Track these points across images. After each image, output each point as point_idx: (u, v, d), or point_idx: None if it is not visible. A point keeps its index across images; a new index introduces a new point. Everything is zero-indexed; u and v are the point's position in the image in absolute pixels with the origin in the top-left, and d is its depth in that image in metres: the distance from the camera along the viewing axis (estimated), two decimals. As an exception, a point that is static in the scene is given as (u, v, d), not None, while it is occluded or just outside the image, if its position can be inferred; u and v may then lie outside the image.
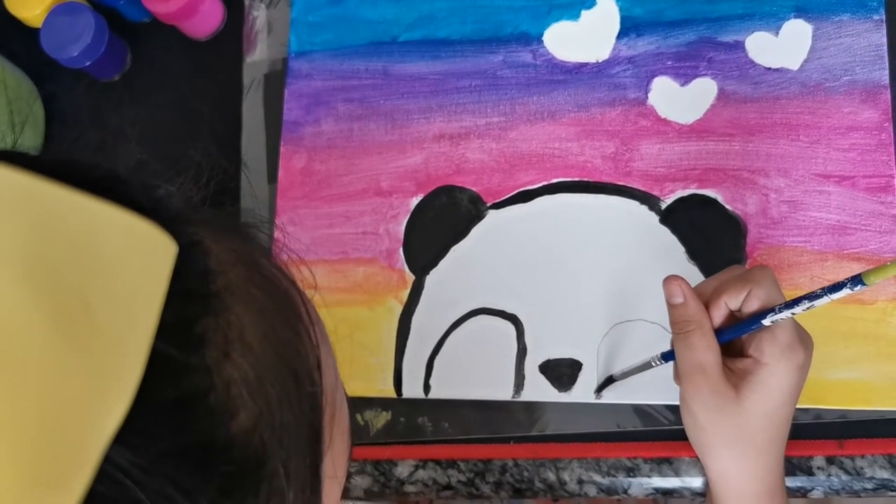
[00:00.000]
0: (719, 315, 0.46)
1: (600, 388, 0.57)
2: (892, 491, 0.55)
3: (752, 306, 0.45)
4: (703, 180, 0.59)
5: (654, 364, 0.51)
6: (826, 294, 0.41)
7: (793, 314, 0.43)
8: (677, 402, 0.55)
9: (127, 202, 0.24)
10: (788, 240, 0.57)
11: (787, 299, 0.44)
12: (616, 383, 0.56)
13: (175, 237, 0.25)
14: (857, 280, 0.39)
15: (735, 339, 0.46)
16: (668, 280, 0.47)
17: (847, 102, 0.58)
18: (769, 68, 0.60)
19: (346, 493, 0.60)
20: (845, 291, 0.40)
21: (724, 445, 0.46)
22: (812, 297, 0.41)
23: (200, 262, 0.27)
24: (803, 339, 0.45)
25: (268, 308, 0.28)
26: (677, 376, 0.49)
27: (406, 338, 0.60)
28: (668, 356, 0.50)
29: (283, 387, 0.27)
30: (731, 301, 0.46)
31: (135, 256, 0.24)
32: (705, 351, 0.45)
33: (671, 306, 0.47)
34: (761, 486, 0.47)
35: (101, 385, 0.21)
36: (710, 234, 0.58)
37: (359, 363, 0.61)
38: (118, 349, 0.22)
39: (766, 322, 0.44)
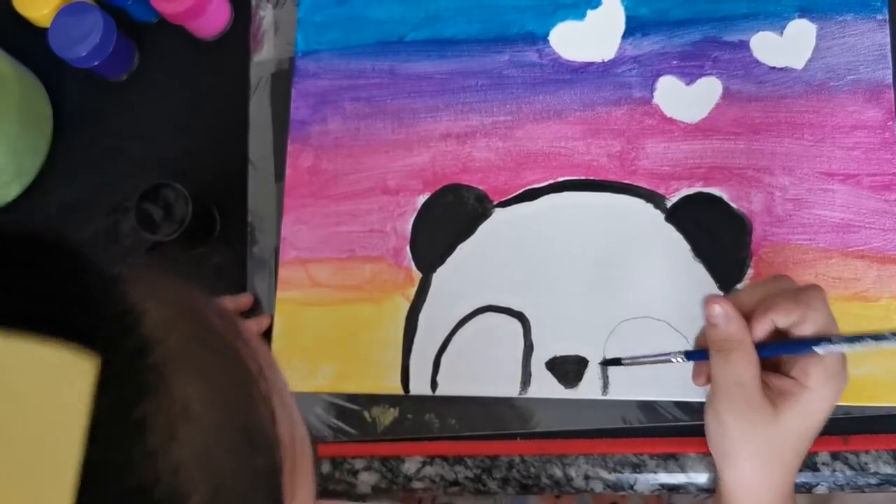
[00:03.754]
0: (763, 330, 0.46)
1: (605, 363, 0.57)
2: (897, 486, 0.55)
3: (806, 331, 0.45)
4: (708, 179, 0.59)
5: (674, 360, 0.51)
6: (894, 337, 0.41)
7: (850, 350, 0.43)
8: (684, 399, 0.56)
9: (42, 303, 0.22)
10: (793, 238, 0.57)
11: (843, 332, 0.44)
12: (622, 377, 0.56)
13: (102, 317, 0.23)
14: None
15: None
16: (711, 302, 0.47)
17: (851, 101, 0.59)
18: (774, 67, 0.60)
19: (352, 490, 0.61)
20: None
21: (751, 457, 0.46)
22: (878, 337, 0.41)
23: (134, 337, 0.24)
24: (845, 365, 0.46)
25: (213, 367, 0.26)
26: (697, 377, 0.49)
27: (413, 335, 0.61)
28: (692, 356, 0.50)
29: (236, 454, 0.25)
30: (781, 320, 0.45)
31: (48, 386, 0.21)
32: (747, 367, 0.45)
33: (711, 325, 0.47)
34: (777, 494, 0.47)
35: None
36: (715, 232, 0.59)
37: (366, 360, 0.61)
38: (42, 474, 0.20)
39: (819, 351, 0.44)
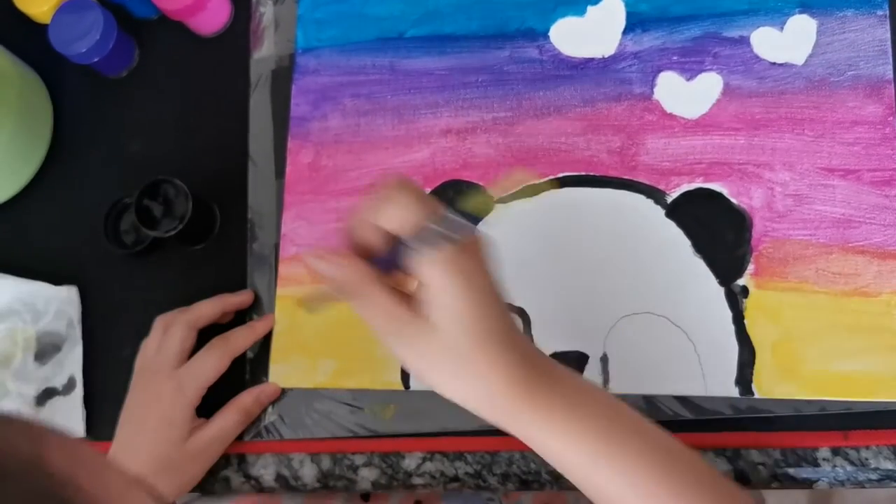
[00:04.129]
0: (373, 238, 0.44)
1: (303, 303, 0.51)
2: (897, 482, 0.55)
3: (397, 225, 0.42)
4: (708, 174, 0.59)
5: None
6: (455, 228, 0.40)
7: (425, 239, 0.41)
8: (684, 394, 0.56)
9: None
10: (794, 233, 0.57)
11: (428, 217, 0.41)
12: (623, 372, 0.56)
13: None
14: (475, 218, 0.39)
15: (398, 264, 0.43)
16: (310, 260, 0.44)
17: (851, 97, 0.59)
18: (774, 63, 0.60)
19: (353, 486, 0.61)
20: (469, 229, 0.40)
21: (449, 375, 0.43)
22: (440, 234, 0.40)
23: None
24: (464, 244, 0.42)
25: None
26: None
27: (413, 331, 0.61)
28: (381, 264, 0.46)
29: None
30: (385, 223, 0.42)
31: None
32: (381, 296, 0.43)
33: (328, 281, 0.44)
34: (514, 388, 0.43)
35: None
36: (715, 227, 0.59)
37: (366, 356, 0.61)
38: None
39: (412, 244, 0.41)
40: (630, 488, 0.44)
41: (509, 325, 0.44)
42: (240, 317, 0.65)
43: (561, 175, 0.61)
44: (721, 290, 0.57)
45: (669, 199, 0.60)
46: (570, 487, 0.59)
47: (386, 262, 0.43)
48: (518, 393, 0.43)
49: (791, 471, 0.56)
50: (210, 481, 0.62)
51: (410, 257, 0.42)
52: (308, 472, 0.62)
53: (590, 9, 0.64)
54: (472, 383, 0.43)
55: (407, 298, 0.44)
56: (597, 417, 0.44)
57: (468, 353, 0.42)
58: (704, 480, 0.46)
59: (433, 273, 0.42)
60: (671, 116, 0.61)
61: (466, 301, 0.42)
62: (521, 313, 0.59)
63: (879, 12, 0.60)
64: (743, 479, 0.56)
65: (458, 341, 0.42)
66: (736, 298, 0.57)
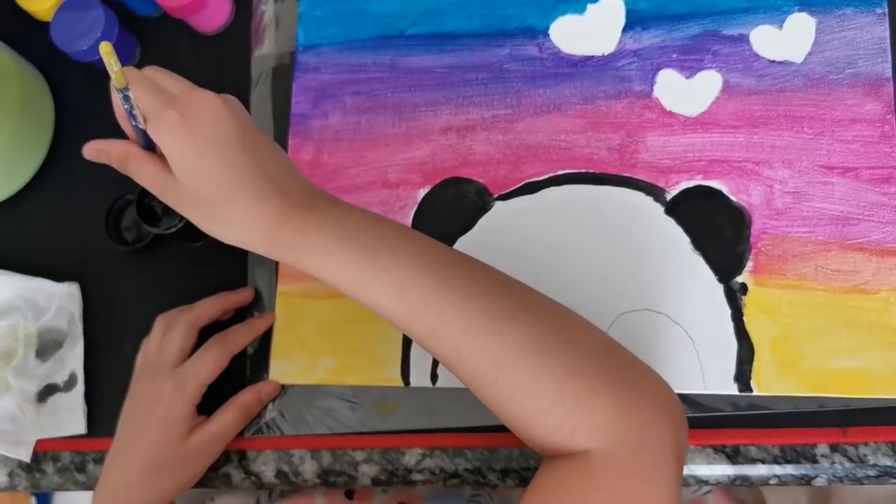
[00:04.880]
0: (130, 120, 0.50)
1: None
2: (895, 478, 0.56)
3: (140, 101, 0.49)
4: (707, 172, 0.60)
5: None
6: (124, 95, 0.48)
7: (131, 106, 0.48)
8: (683, 391, 0.56)
9: None
10: (793, 230, 0.58)
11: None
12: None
13: None
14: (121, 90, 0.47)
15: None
16: (86, 153, 0.53)
17: (850, 95, 0.59)
18: (773, 61, 0.61)
19: (353, 482, 0.61)
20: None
21: (210, 220, 0.49)
22: (122, 93, 0.47)
23: None
24: (175, 98, 0.48)
25: None
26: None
27: (413, 328, 0.61)
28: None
29: None
30: (136, 99, 0.48)
31: None
32: (142, 165, 0.50)
33: (105, 160, 0.52)
34: (270, 222, 0.47)
35: None
36: (714, 224, 0.59)
37: (367, 353, 0.61)
38: None
39: (134, 123, 0.49)
40: (394, 294, 0.46)
41: (264, 165, 0.48)
42: (240, 314, 0.65)
43: (561, 172, 0.62)
44: (720, 287, 0.58)
45: (669, 197, 0.60)
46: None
47: (145, 141, 0.50)
48: (275, 224, 0.47)
49: (789, 467, 0.56)
50: (211, 477, 0.63)
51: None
52: (308, 469, 0.62)
53: (590, 7, 0.64)
54: (231, 225, 0.48)
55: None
56: (353, 233, 0.47)
57: (216, 200, 0.48)
58: (500, 284, 0.48)
59: (157, 133, 0.48)
60: (671, 114, 0.61)
61: (196, 151, 0.47)
62: (521, 310, 0.59)
63: (878, 10, 0.60)
64: (742, 476, 0.56)
65: (203, 190, 0.48)
66: (735, 295, 0.57)
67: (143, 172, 0.50)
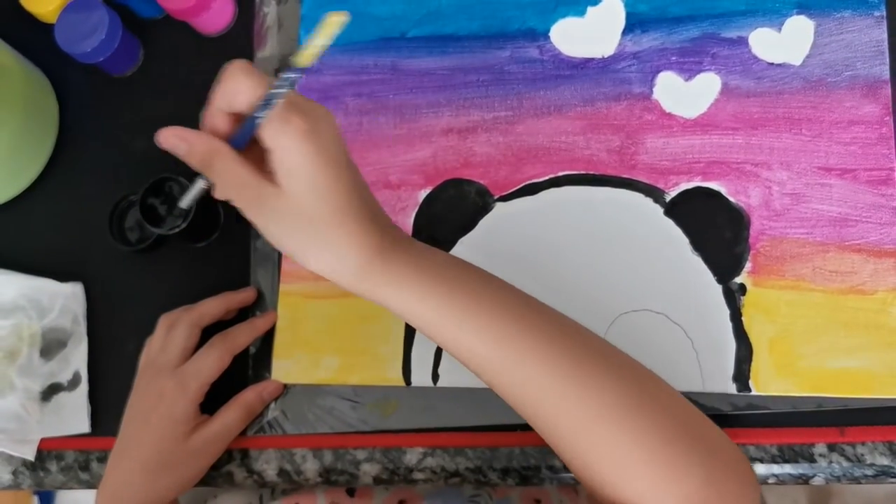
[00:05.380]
0: (222, 123, 0.45)
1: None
2: (893, 477, 0.56)
3: (242, 103, 0.43)
4: (706, 173, 0.60)
5: (202, 185, 0.47)
6: (280, 87, 0.41)
7: (267, 114, 0.42)
8: (689, 389, 0.57)
9: None
10: (791, 231, 0.58)
11: (272, 88, 0.42)
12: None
13: None
14: (295, 69, 0.40)
15: (249, 142, 0.44)
16: (160, 138, 0.45)
17: (848, 97, 0.60)
18: (772, 63, 0.61)
19: (354, 481, 0.61)
20: (293, 79, 0.41)
21: (305, 240, 0.44)
22: (273, 95, 0.41)
23: None
24: (299, 106, 0.43)
25: None
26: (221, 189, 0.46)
27: (414, 328, 0.61)
28: (199, 176, 0.47)
29: None
30: (223, 105, 0.44)
31: None
32: (235, 168, 0.44)
33: (183, 157, 0.45)
34: (367, 251, 0.44)
35: None
36: (713, 225, 0.59)
37: (368, 352, 0.62)
38: None
39: (259, 117, 0.42)
40: (488, 342, 0.45)
41: (366, 195, 0.45)
42: (243, 314, 0.65)
43: (561, 174, 0.62)
44: (719, 288, 0.58)
45: (668, 198, 0.60)
46: (568, 483, 0.59)
47: (238, 141, 0.44)
48: (371, 258, 0.44)
49: (787, 467, 0.56)
50: (213, 476, 0.63)
51: (258, 129, 0.43)
52: (310, 467, 0.62)
53: (590, 9, 0.65)
54: (327, 250, 0.44)
55: (262, 171, 0.44)
56: (451, 278, 0.46)
57: (323, 220, 0.43)
58: (591, 342, 0.46)
59: (280, 137, 0.42)
60: (670, 116, 0.62)
61: (313, 164, 0.43)
62: (521, 310, 0.60)
63: (876, 13, 0.60)
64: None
65: (313, 207, 0.43)
66: (734, 296, 0.58)
67: (231, 174, 0.44)
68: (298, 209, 0.43)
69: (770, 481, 0.57)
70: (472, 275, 0.47)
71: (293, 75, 0.41)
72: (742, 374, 0.56)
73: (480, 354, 0.45)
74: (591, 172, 0.62)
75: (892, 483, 0.57)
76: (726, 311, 0.58)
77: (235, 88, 0.43)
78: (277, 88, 0.41)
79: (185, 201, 0.49)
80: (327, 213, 0.43)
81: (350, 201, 0.44)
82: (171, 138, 0.45)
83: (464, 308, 0.45)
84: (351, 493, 0.68)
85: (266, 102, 0.42)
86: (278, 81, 0.41)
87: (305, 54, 0.41)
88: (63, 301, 0.68)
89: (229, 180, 0.44)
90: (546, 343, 0.45)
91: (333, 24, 0.40)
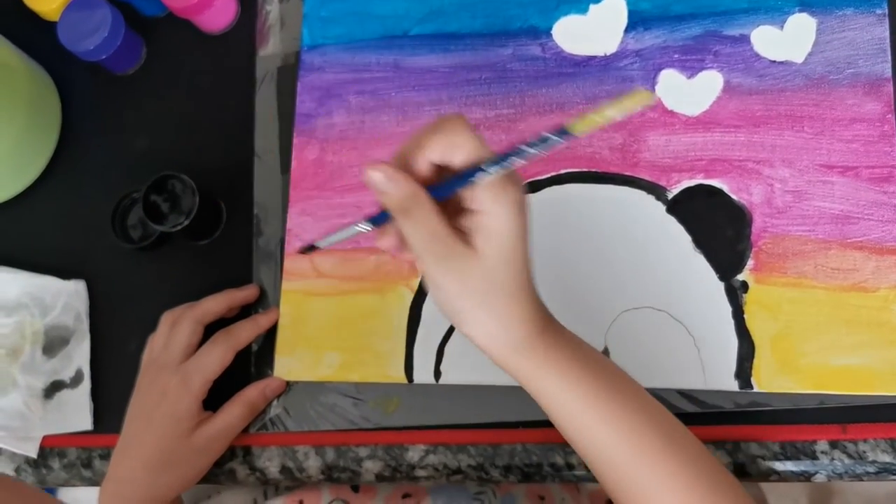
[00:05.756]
0: (424, 172, 0.44)
1: (303, 251, 0.54)
2: (894, 475, 0.56)
3: (457, 159, 0.43)
4: (709, 171, 0.60)
5: (360, 228, 0.48)
6: (533, 147, 0.39)
7: (501, 170, 0.41)
8: (687, 387, 0.57)
9: None
10: (793, 229, 0.58)
11: (495, 153, 0.42)
12: (624, 365, 0.57)
13: None
14: (562, 131, 0.38)
15: (451, 196, 0.44)
16: (368, 171, 0.43)
17: (850, 94, 0.60)
18: (774, 61, 0.61)
19: (357, 478, 0.61)
20: (553, 143, 0.39)
21: (478, 305, 0.44)
22: (518, 152, 0.40)
23: None
24: (512, 177, 0.43)
25: None
26: (383, 238, 0.46)
27: (417, 325, 0.61)
28: (376, 220, 0.47)
29: None
30: (434, 155, 0.43)
31: None
32: (430, 218, 0.43)
33: (380, 194, 0.44)
34: (529, 327, 0.45)
35: None
36: (715, 223, 0.59)
37: (370, 350, 0.62)
38: None
39: (478, 179, 0.42)
40: (621, 438, 0.46)
41: (533, 273, 0.46)
42: (245, 311, 0.65)
43: (563, 171, 0.62)
44: (721, 285, 0.58)
45: (670, 196, 0.60)
46: (570, 480, 0.60)
47: (440, 192, 0.43)
48: (529, 332, 0.45)
49: (789, 464, 0.56)
50: (216, 473, 0.63)
51: (467, 186, 0.42)
52: (312, 465, 0.62)
53: (592, 7, 0.65)
54: (497, 319, 0.44)
55: (451, 225, 0.44)
56: (595, 369, 0.47)
57: (504, 289, 0.44)
58: (701, 456, 0.48)
59: (495, 202, 0.42)
60: (672, 114, 0.62)
61: (516, 234, 0.43)
62: (524, 308, 0.60)
63: (879, 11, 0.60)
64: (742, 471, 0.57)
65: (497, 271, 0.43)
66: (736, 293, 0.58)
67: (427, 224, 0.43)
68: (485, 274, 0.43)
69: (772, 478, 0.57)
70: (605, 364, 0.49)
71: (557, 139, 0.39)
72: (744, 372, 0.56)
73: (608, 446, 0.46)
74: (594, 170, 0.62)
75: (894, 480, 0.57)
76: (728, 309, 0.58)
77: (455, 142, 0.42)
78: (530, 148, 0.40)
79: (328, 242, 0.51)
80: (511, 283, 0.44)
81: (530, 277, 0.45)
82: (378, 175, 0.43)
83: (605, 400, 0.46)
84: (356, 488, 0.68)
85: (501, 160, 0.41)
86: (534, 142, 0.40)
87: (585, 122, 0.37)
88: (66, 299, 0.68)
89: (423, 230, 0.43)
90: (662, 438, 0.47)
91: (636, 100, 0.36)
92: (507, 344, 0.45)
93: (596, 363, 0.48)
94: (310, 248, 0.54)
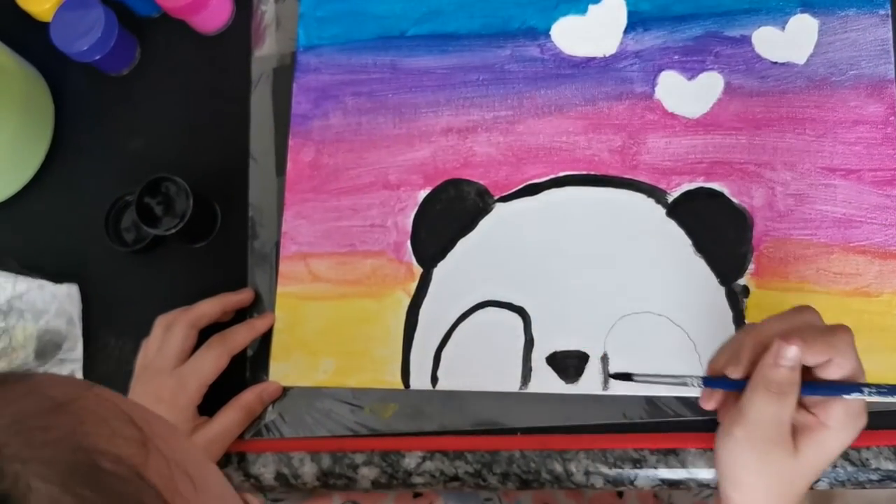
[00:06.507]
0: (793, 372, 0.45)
1: (611, 377, 0.56)
2: (898, 482, 0.55)
3: (832, 374, 0.44)
4: (709, 174, 0.59)
5: (690, 385, 0.49)
6: None
7: (879, 400, 0.43)
8: (685, 395, 0.56)
9: None
10: (794, 233, 0.57)
11: (869, 381, 0.44)
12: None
13: None
14: None
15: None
16: (785, 344, 0.44)
17: (853, 96, 0.59)
18: (775, 62, 0.60)
19: (353, 485, 0.61)
20: None
21: (765, 491, 0.46)
22: None
23: None
24: (865, 406, 0.45)
25: None
26: (708, 401, 0.49)
27: (414, 330, 0.61)
28: (710, 383, 0.48)
29: None
30: (809, 359, 0.44)
31: None
32: (790, 409, 0.45)
33: (776, 366, 0.44)
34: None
35: None
36: (716, 226, 0.58)
37: (367, 355, 0.61)
38: None
39: (849, 398, 0.44)
40: None
41: None
42: (240, 315, 0.65)
43: (562, 174, 0.61)
44: (722, 290, 0.57)
45: (670, 199, 0.59)
46: (568, 487, 0.59)
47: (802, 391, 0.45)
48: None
49: (791, 471, 0.56)
50: (210, 479, 0.62)
51: (826, 395, 0.44)
52: (308, 471, 0.62)
53: (591, 7, 0.64)
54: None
55: None
56: None
57: (794, 485, 0.46)
58: None
59: (847, 424, 0.44)
60: (672, 116, 0.61)
61: (837, 455, 0.46)
62: (521, 312, 0.59)
63: (881, 12, 0.60)
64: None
65: (802, 476, 0.46)
66: (737, 298, 0.57)
67: (785, 411, 0.44)
68: (792, 475, 0.45)
69: (773, 486, 0.56)
70: None
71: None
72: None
73: None
74: (593, 173, 0.61)
75: (898, 488, 0.56)
76: (729, 314, 0.57)
77: (842, 362, 0.44)
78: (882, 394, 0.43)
79: (646, 379, 0.52)
80: (802, 486, 0.46)
81: (810, 482, 0.47)
82: (794, 353, 0.44)
83: None
84: None
85: (886, 392, 0.44)
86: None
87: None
88: (58, 303, 0.68)
89: (780, 415, 0.44)
90: None
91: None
92: None
93: None
94: (625, 376, 0.53)
